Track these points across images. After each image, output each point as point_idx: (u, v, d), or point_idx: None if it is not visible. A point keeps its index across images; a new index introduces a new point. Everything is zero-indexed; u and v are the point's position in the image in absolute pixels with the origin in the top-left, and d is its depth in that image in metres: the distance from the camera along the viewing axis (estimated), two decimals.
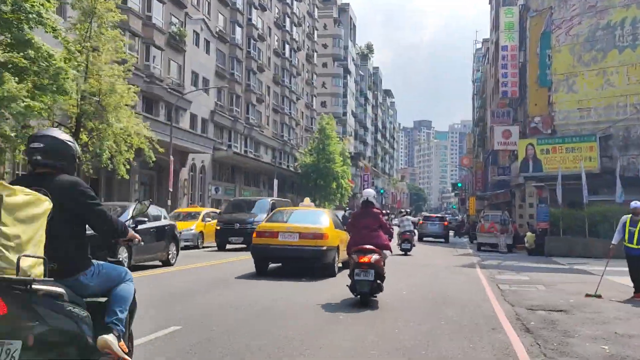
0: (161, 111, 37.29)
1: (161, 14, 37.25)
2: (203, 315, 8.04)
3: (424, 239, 36.33)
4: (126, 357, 3.64)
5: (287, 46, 66.82)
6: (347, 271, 9.94)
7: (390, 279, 10.91)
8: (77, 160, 3.87)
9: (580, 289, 12.59)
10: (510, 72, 31.61)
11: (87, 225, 3.76)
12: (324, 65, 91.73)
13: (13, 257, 3.01)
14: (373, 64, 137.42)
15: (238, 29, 51.93)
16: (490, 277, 15.55)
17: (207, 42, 45.90)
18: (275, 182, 51.02)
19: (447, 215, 73.98)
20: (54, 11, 18.40)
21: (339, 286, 10.93)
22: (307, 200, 20.58)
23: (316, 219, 13.86)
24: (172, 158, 29.77)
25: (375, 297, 9.56)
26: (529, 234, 26.47)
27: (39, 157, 3.66)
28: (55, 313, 3.20)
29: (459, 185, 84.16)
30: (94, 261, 3.82)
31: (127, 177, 24.35)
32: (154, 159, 24.83)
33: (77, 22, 22.22)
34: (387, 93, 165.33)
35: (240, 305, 8.92)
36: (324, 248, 12.83)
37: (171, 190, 29.97)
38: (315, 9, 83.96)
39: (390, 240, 10.13)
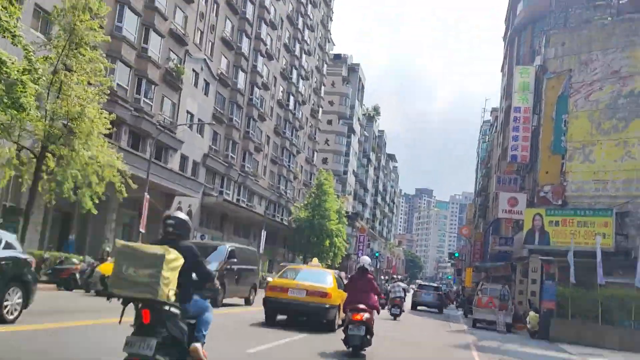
0: (148, 149, 35.20)
1: (159, 47, 35.62)
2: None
3: (418, 307, 35.85)
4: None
5: (292, 98, 65.44)
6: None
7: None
8: (191, 231, 6.48)
9: None
10: (521, 136, 29.53)
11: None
12: (329, 122, 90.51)
13: (165, 290, 5.17)
14: (379, 127, 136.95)
15: (241, 74, 50.46)
16: None
17: (207, 84, 44.26)
18: (264, 233, 48.34)
19: (442, 285, 71.26)
20: (19, 18, 16.41)
21: (335, 340, 12.04)
22: (315, 260, 21.06)
23: (322, 279, 15.12)
24: (147, 196, 27.36)
25: (364, 351, 10.73)
26: (532, 313, 23.76)
27: (171, 229, 5.96)
28: (174, 326, 5.38)
29: (456, 255, 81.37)
30: (193, 295, 5.96)
31: (94, 211, 22.05)
32: (125, 194, 22.49)
33: (55, 38, 20.33)
34: (391, 157, 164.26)
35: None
36: (327, 306, 14.20)
37: (142, 231, 27.38)
38: (324, 65, 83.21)
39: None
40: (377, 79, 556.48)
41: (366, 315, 10.43)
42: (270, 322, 14.34)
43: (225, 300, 18.32)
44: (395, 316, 23.41)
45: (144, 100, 33.93)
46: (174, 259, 5.27)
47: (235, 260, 18.19)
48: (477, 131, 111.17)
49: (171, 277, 5.20)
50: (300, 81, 69.03)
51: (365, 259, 11.93)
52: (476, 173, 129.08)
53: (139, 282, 5.07)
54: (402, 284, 31.44)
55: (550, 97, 26.19)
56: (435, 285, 42.41)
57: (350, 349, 10.44)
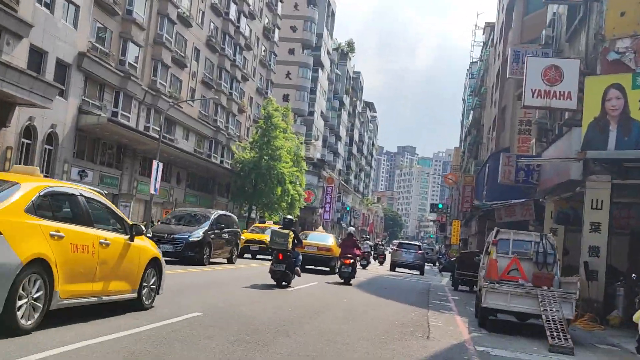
0: None
1: None
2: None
3: (397, 269, 33.78)
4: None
5: (233, 6, 51.08)
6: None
7: None
8: (293, 221, 17.15)
9: None
10: None
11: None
12: (291, 51, 76.31)
13: (288, 246, 15.15)
14: (354, 68, 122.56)
15: None
16: None
17: None
18: (186, 175, 34.77)
19: (423, 244, 59.30)
20: None
21: (335, 277, 20.36)
22: (320, 227, 36.54)
23: (326, 240, 23.87)
24: None
25: (351, 281, 19.00)
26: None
27: (287, 221, 16.43)
28: (289, 259, 15.13)
29: (440, 206, 68.47)
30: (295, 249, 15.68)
31: None
32: None
33: None
34: (369, 105, 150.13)
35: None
36: (331, 256, 22.60)
37: None
38: None
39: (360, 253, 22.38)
40: (359, 34, 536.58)
41: (352, 260, 18.99)
42: None
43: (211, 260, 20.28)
44: (345, 279, 18.93)
45: None
46: (290, 234, 15.17)
47: (222, 225, 21.39)
48: (461, 85, 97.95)
49: (290, 241, 15.04)
50: None
51: (352, 228, 23.19)
52: (461, 123, 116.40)
53: (281, 243, 15.03)
54: (369, 242, 39.91)
55: None
56: (416, 243, 39.05)
57: (343, 280, 18.96)
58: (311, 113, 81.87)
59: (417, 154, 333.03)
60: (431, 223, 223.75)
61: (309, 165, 78.77)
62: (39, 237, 6.28)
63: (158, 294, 9.22)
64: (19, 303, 6.00)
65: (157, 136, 35.05)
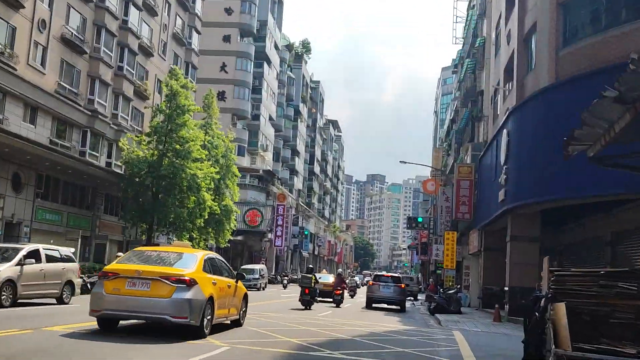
0: None
1: None
2: None
3: (374, 305, 28.31)
4: None
5: None
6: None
7: None
8: (313, 268, 31.07)
9: None
10: None
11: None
12: (226, 38, 61.46)
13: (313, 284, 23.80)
14: (313, 76, 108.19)
15: None
16: None
17: None
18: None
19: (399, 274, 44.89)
20: None
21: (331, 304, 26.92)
22: (324, 270, 49.76)
23: (328, 279, 31.05)
24: None
25: (340, 305, 26.38)
26: None
27: (309, 268, 26.27)
28: (313, 292, 24.17)
29: (420, 219, 52.95)
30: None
31: None
32: None
33: None
34: (333, 123, 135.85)
35: None
36: (331, 290, 27.56)
37: None
38: None
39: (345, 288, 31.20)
40: (326, 70, 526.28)
41: (341, 292, 26.85)
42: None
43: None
44: (337, 303, 26.59)
45: None
46: (313, 277, 23.68)
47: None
48: (429, 116, 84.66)
49: (312, 281, 23.35)
50: None
51: (340, 270, 54.71)
52: (434, 137, 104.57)
53: (306, 282, 23.27)
54: (356, 278, 54.37)
55: None
56: (395, 275, 33.20)
57: (335, 304, 26.32)
58: (256, 117, 66.69)
59: (387, 182, 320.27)
60: (404, 251, 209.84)
61: (254, 179, 63.31)
62: (209, 284, 11.28)
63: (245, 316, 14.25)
64: (204, 321, 10.84)
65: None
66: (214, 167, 37.65)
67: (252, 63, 63.63)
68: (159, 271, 10.63)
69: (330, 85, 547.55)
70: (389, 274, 33.82)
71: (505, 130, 22.06)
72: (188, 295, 10.38)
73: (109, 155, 36.26)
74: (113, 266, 11.37)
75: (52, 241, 24.92)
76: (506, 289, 22.71)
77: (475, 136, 34.23)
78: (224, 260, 13.48)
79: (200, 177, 34.36)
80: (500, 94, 26.91)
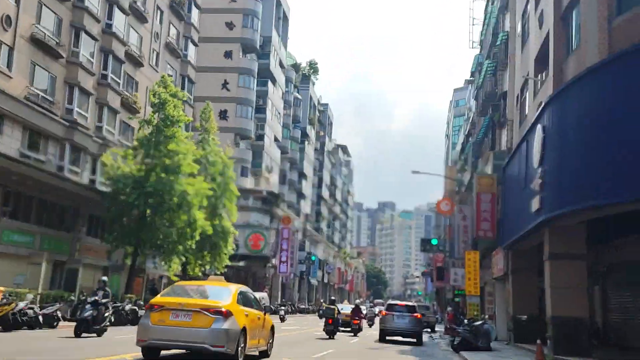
0: None
1: None
2: None
3: (387, 337, 25.84)
4: None
5: None
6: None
7: None
8: (335, 300, 33.42)
9: None
10: None
11: None
12: (228, 54, 58.54)
13: (335, 314, 25.09)
14: (321, 99, 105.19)
15: None
16: None
17: None
18: None
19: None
20: None
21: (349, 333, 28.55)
22: (345, 301, 49.94)
23: (348, 309, 30.57)
24: None
25: (358, 334, 28.40)
26: None
27: (332, 299, 28.35)
28: (336, 322, 25.59)
29: (434, 242, 48.85)
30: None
31: None
32: None
33: None
34: (342, 148, 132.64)
35: None
36: (350, 320, 29.13)
37: None
38: None
39: (364, 317, 33.97)
40: (336, 102, 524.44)
41: (358, 321, 28.52)
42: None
43: None
44: (354, 332, 28.84)
45: None
46: (335, 309, 24.89)
47: None
48: (441, 142, 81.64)
49: (335, 312, 24.54)
50: None
51: (358, 301, 42.20)
52: (446, 158, 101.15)
53: (330, 313, 24.39)
54: (374, 309, 46.27)
55: None
56: (410, 304, 29.96)
57: (353, 333, 28.27)
58: (260, 137, 63.37)
59: (398, 209, 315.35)
60: (417, 279, 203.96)
61: (257, 201, 59.72)
62: (242, 316, 11.98)
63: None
64: (238, 350, 11.54)
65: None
66: (209, 184, 34.21)
67: (256, 80, 60.58)
68: (199, 303, 11.62)
69: (339, 114, 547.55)
70: (404, 302, 31.56)
71: (539, 127, 18.40)
72: (225, 325, 11.31)
73: (93, 172, 32.96)
74: (159, 299, 12.08)
75: None
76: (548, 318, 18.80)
77: (496, 145, 30.58)
78: (253, 293, 14.34)
79: (191, 193, 30.93)
80: (528, 90, 23.31)
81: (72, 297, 24.75)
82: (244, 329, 11.79)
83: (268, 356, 13.89)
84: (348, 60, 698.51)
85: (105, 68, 33.92)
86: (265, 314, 13.75)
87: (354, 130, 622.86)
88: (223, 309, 11.35)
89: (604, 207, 15.51)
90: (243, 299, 12.60)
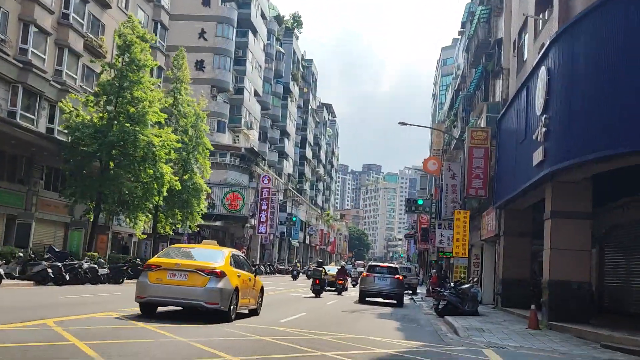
0: None
1: None
2: None
3: (367, 299, 25.45)
4: None
5: None
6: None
7: None
8: (323, 262, 40.68)
9: None
10: None
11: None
12: (205, 2, 55.24)
13: (322, 275, 27.11)
14: (306, 54, 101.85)
15: None
16: None
17: None
18: None
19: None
20: None
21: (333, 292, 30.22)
22: (333, 263, 68.25)
23: (334, 271, 32.69)
24: None
25: (342, 294, 29.84)
26: None
27: (319, 261, 34.53)
28: (324, 282, 27.93)
29: (420, 202, 46.94)
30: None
31: None
32: None
33: None
34: (327, 107, 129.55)
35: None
36: (335, 280, 31.20)
37: None
38: None
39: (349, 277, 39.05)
40: (323, 61, 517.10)
41: (342, 282, 30.50)
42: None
43: None
44: (339, 291, 30.55)
45: None
46: (323, 270, 26.77)
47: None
48: (427, 106, 78.63)
49: (322, 273, 26.29)
50: None
51: (343, 263, 61.69)
52: (432, 119, 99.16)
53: (317, 274, 26.11)
54: (361, 268, 52.35)
55: None
56: (392, 265, 29.60)
57: (337, 292, 29.96)
58: (240, 91, 60.61)
59: (383, 172, 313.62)
60: (400, 242, 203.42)
61: (235, 159, 57.24)
62: (235, 277, 12.72)
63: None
64: (231, 307, 12.39)
65: None
66: (179, 136, 31.75)
67: (235, 31, 57.47)
68: (195, 264, 12.37)
69: (325, 74, 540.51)
70: (385, 264, 30.68)
71: (543, 69, 16.16)
72: (219, 285, 12.07)
73: (51, 120, 30.23)
74: (156, 260, 12.90)
75: None
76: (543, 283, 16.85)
77: (490, 97, 28.31)
78: (245, 257, 15.65)
79: (157, 145, 28.46)
80: (527, 33, 20.98)
81: (20, 254, 22.36)
82: (236, 289, 12.60)
83: (257, 314, 14.61)
84: (337, 17, 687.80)
85: (67, 7, 30.97)
86: (255, 275, 14.58)
87: (340, 93, 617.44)
88: (217, 270, 12.17)
89: (617, 158, 13.40)
90: (235, 261, 13.37)
